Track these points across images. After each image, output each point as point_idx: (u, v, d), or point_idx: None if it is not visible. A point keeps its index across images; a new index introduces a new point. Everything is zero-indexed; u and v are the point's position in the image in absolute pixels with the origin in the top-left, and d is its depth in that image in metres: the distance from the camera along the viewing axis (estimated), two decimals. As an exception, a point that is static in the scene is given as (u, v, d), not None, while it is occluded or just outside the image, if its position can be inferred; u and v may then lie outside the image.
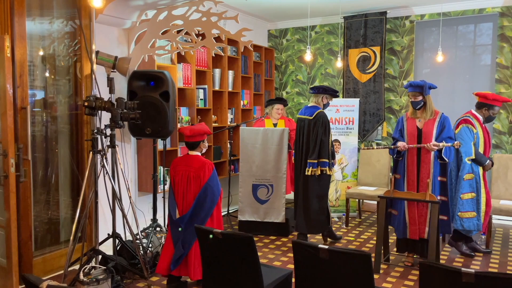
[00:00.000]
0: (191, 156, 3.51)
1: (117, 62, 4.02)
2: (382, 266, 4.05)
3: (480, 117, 4.33)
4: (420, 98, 3.95)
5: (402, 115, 4.21)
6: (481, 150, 4.28)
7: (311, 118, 4.47)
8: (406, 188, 4.03)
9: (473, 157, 4.21)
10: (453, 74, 5.97)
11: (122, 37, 4.42)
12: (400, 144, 4.00)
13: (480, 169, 4.27)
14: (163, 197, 4.62)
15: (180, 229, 3.45)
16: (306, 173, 4.41)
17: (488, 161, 4.27)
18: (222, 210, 5.40)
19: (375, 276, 3.84)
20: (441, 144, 3.85)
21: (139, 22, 4.41)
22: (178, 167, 3.50)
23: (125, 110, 3.47)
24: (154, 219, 4.40)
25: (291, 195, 6.27)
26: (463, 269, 1.98)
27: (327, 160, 4.40)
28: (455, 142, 3.84)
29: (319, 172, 4.40)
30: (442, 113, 4.01)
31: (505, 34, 5.59)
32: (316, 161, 4.40)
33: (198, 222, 3.34)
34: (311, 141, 4.45)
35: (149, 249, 4.05)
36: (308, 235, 4.77)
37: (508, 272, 3.94)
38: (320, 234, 4.80)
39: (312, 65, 6.91)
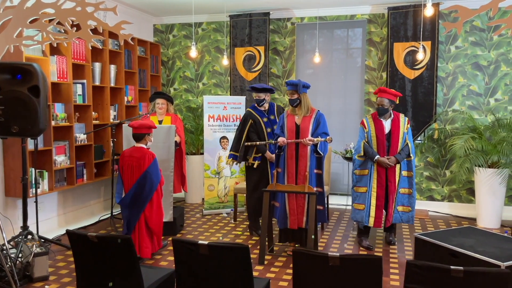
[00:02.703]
0: (136, 148, 4.02)
1: (-26, 52, 3.56)
2: (267, 257, 4.21)
3: None
4: (296, 96, 4.20)
5: (284, 112, 4.43)
6: (374, 146, 4.39)
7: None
8: (286, 181, 4.25)
9: (362, 153, 4.40)
10: (330, 75, 6.44)
11: (-19, 24, 3.92)
12: (280, 139, 4.21)
13: (374, 165, 4.36)
14: (35, 202, 4.22)
15: None
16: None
17: (377, 156, 4.31)
18: (114, 210, 5.34)
19: (260, 268, 3.98)
20: (315, 139, 4.13)
21: (3, 8, 3.95)
22: (125, 158, 4.00)
23: (-16, 106, 3.12)
24: (25, 227, 4.00)
25: (181, 194, 6.23)
26: (329, 253, 2.15)
27: (233, 153, 4.95)
28: (327, 137, 4.15)
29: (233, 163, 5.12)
30: (318, 110, 4.31)
31: (372, 39, 6.20)
32: (231, 152, 4.99)
33: (138, 205, 3.91)
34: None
35: (19, 259, 3.67)
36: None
37: (363, 253, 4.39)
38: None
39: (199, 62, 6.90)
